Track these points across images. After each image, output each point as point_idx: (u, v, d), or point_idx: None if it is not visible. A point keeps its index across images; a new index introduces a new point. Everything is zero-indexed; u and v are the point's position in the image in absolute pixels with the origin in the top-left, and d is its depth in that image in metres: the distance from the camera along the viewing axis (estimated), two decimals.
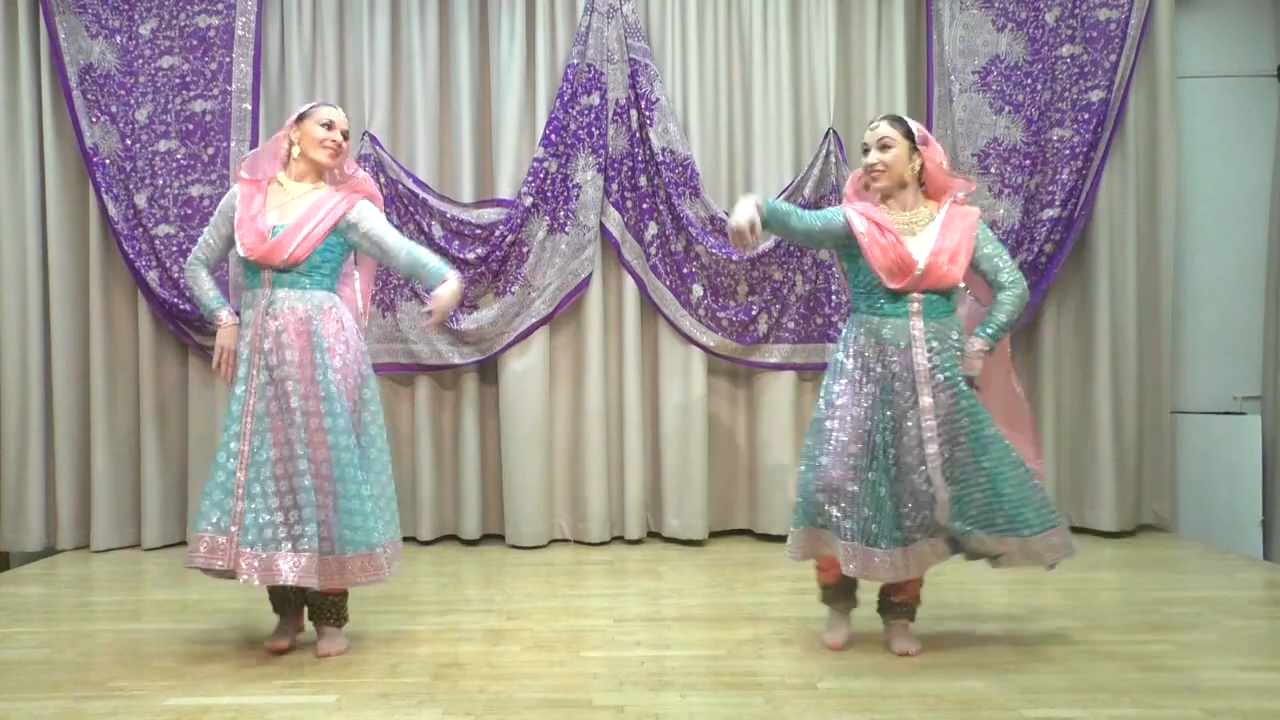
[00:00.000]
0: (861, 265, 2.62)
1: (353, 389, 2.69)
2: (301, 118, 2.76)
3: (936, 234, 2.59)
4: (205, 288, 2.84)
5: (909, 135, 2.62)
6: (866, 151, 2.65)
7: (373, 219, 2.78)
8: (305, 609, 2.81)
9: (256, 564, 2.55)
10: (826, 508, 2.56)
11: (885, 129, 2.62)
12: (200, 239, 2.85)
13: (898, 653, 2.66)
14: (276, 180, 2.78)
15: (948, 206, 2.64)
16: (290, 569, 2.55)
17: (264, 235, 2.67)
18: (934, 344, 2.58)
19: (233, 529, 2.58)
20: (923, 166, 2.64)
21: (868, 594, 2.81)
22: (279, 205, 2.73)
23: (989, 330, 2.63)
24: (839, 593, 2.76)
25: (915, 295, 2.58)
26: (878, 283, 2.59)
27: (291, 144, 2.76)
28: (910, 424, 2.56)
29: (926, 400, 2.55)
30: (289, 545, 2.56)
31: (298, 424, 2.60)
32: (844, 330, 2.69)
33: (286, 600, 2.79)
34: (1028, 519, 2.59)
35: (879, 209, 2.66)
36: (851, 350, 2.63)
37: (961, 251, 2.60)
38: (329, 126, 2.74)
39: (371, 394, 2.75)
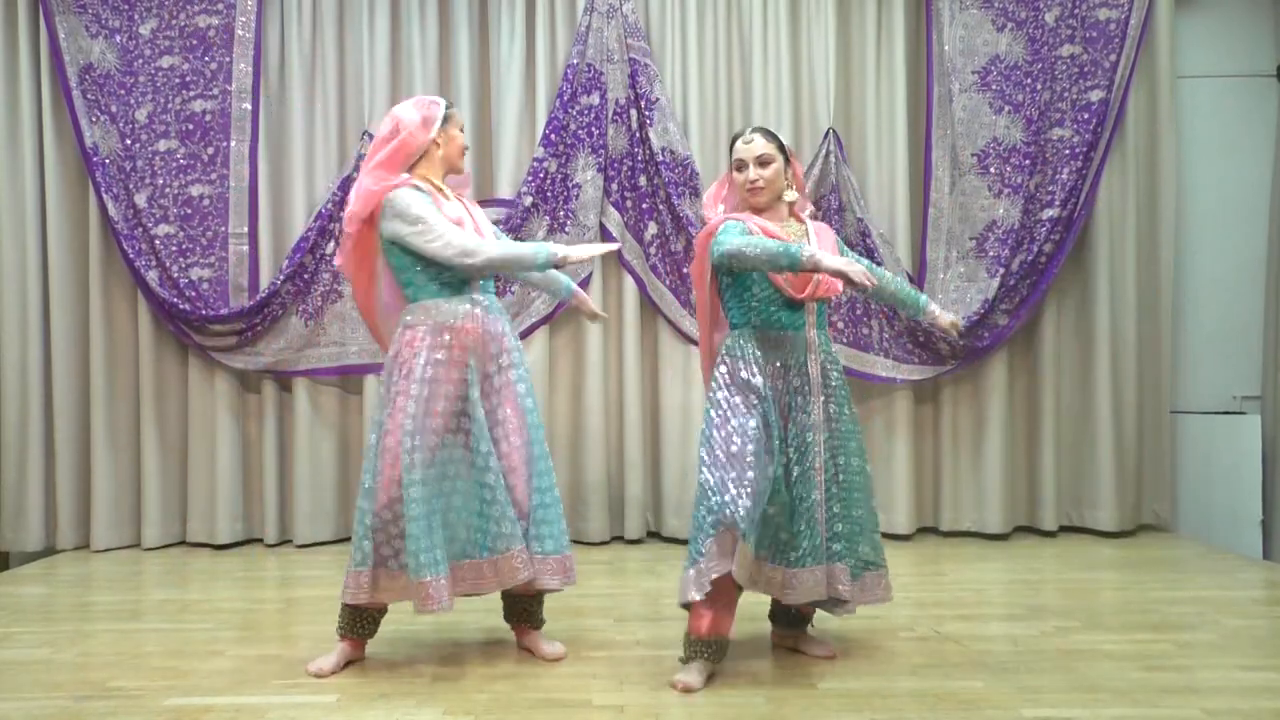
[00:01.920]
0: (756, 277, 2.49)
1: None
2: (446, 120, 2.61)
3: (815, 244, 2.53)
4: (517, 245, 2.57)
5: (782, 149, 2.55)
6: (741, 168, 2.53)
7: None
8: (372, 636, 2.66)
9: (550, 569, 2.57)
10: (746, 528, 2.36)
11: (763, 145, 2.50)
12: (444, 232, 2.44)
13: (824, 656, 2.62)
14: (414, 183, 2.54)
15: (809, 222, 2.61)
16: (547, 571, 2.57)
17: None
18: (823, 354, 2.54)
19: (492, 544, 2.50)
20: (791, 179, 2.58)
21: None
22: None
23: (915, 293, 2.72)
24: (713, 647, 2.45)
25: (810, 306, 2.53)
26: (775, 295, 2.49)
27: (438, 146, 2.61)
28: (809, 437, 2.47)
29: (818, 412, 2.49)
30: (545, 547, 2.57)
31: (534, 424, 2.65)
32: (728, 345, 2.51)
33: (364, 624, 2.60)
34: (864, 553, 2.56)
35: (762, 220, 2.54)
36: (750, 367, 2.47)
37: None
38: (461, 130, 2.68)
39: None
